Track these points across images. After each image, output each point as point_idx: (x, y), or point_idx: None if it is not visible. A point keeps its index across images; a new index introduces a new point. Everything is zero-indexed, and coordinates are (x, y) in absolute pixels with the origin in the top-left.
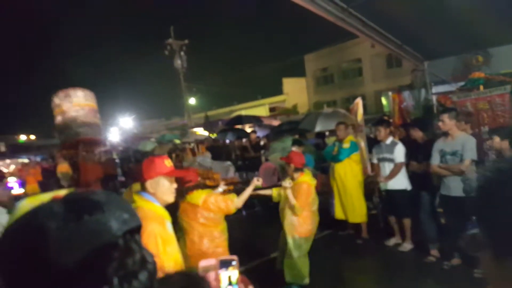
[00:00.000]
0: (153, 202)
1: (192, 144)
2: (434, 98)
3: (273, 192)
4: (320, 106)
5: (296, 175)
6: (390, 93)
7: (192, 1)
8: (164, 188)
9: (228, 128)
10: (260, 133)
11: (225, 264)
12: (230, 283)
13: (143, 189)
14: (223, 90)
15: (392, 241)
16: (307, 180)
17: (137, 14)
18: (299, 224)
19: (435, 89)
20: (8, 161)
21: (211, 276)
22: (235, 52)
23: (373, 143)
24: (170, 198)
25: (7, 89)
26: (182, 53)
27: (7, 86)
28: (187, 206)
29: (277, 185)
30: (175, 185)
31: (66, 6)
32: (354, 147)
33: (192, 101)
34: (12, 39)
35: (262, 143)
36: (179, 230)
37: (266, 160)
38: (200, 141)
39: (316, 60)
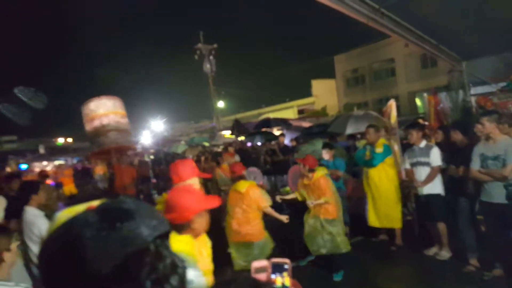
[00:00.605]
0: None
1: (221, 147)
2: (473, 99)
3: (296, 195)
4: (350, 108)
5: (310, 174)
6: (425, 95)
7: (221, 5)
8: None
9: (256, 131)
10: (289, 136)
11: (278, 267)
12: (283, 287)
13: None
14: (251, 93)
15: (431, 251)
16: (321, 174)
17: (168, 20)
18: (331, 209)
19: (474, 90)
20: (45, 163)
21: (262, 277)
22: (263, 54)
23: (406, 147)
24: None
25: (46, 94)
26: (211, 57)
27: (46, 91)
28: (233, 193)
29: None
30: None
31: (101, 13)
32: (387, 150)
33: (220, 104)
34: (48, 47)
35: (291, 146)
36: (227, 213)
37: (295, 163)
38: (228, 144)
39: (347, 61)
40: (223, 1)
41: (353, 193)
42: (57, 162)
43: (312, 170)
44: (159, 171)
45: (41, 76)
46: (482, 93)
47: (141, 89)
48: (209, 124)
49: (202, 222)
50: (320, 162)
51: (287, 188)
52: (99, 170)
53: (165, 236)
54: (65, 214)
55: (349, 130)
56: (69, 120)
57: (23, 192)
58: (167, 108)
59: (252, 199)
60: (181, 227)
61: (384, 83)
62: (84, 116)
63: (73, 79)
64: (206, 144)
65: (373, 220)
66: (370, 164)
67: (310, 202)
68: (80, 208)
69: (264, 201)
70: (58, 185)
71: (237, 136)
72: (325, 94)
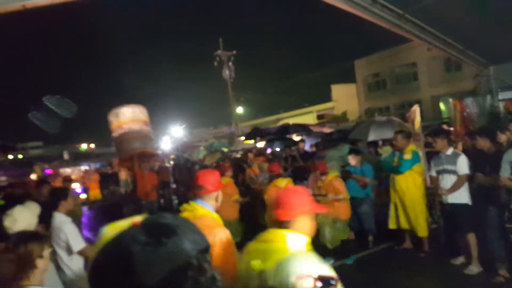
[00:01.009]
0: (211, 210)
1: (240, 153)
2: (501, 105)
3: None
4: (372, 113)
5: (323, 177)
6: (450, 100)
7: (240, 12)
8: (219, 199)
9: (275, 137)
10: (309, 141)
11: (324, 281)
12: None
13: (198, 197)
14: (270, 98)
15: (458, 260)
16: (333, 175)
17: (188, 29)
18: (344, 209)
19: (502, 95)
20: (68, 169)
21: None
22: (282, 59)
23: (429, 154)
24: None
25: (70, 101)
26: (230, 63)
27: (70, 98)
28: (273, 188)
29: (325, 195)
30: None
31: (122, 24)
32: (416, 157)
33: (239, 110)
34: (72, 56)
35: (311, 151)
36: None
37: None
38: (248, 150)
39: (367, 66)
40: (242, 8)
41: (377, 200)
42: (82, 168)
43: (324, 174)
44: (179, 176)
45: (65, 84)
46: (511, 98)
47: (161, 96)
48: (228, 130)
49: (305, 225)
50: (346, 168)
51: None
52: (123, 175)
53: (205, 251)
54: (110, 230)
55: (372, 137)
56: (91, 126)
57: (53, 198)
58: (186, 114)
59: None
60: (283, 224)
61: (406, 87)
62: (110, 124)
63: (95, 87)
64: (225, 149)
65: (393, 223)
66: (398, 170)
67: (330, 196)
68: (124, 224)
69: None
70: (85, 190)
71: (256, 142)
72: (345, 99)
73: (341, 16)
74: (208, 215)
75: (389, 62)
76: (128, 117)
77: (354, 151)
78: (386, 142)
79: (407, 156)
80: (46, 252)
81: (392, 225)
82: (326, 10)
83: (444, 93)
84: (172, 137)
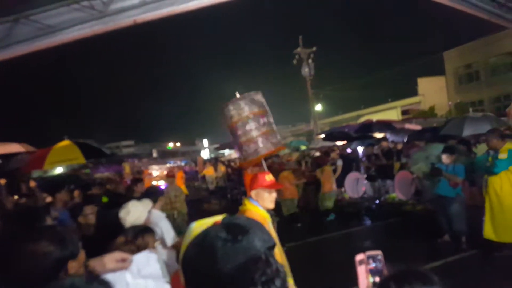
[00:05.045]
0: (257, 206)
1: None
2: None
3: None
4: (463, 107)
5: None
6: None
7: (320, 7)
8: (264, 197)
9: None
10: (393, 138)
11: (373, 258)
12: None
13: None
14: (350, 94)
15: None
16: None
17: (267, 28)
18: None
19: None
20: (155, 166)
21: (361, 269)
22: (365, 54)
23: None
24: (270, 205)
25: (160, 102)
26: (309, 60)
27: (160, 100)
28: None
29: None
30: (274, 194)
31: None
32: None
33: (318, 107)
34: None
35: (395, 150)
36: None
37: (402, 168)
38: (330, 149)
39: (458, 57)
40: (322, 3)
41: (471, 202)
42: (168, 165)
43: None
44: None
45: (153, 87)
46: None
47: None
48: (306, 127)
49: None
50: (437, 166)
51: (393, 195)
52: (208, 171)
53: (272, 247)
54: (197, 226)
55: (467, 132)
56: (177, 125)
57: (150, 195)
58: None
59: None
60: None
61: (502, 79)
62: (224, 124)
63: (181, 87)
64: (303, 147)
65: (489, 232)
66: (491, 171)
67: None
68: (209, 221)
69: None
70: None
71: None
72: (432, 93)
73: (427, 7)
74: (252, 209)
75: (483, 52)
76: (241, 113)
77: (449, 150)
78: (480, 139)
79: (503, 155)
80: (157, 243)
81: (487, 234)
82: (411, 1)
83: None
84: None
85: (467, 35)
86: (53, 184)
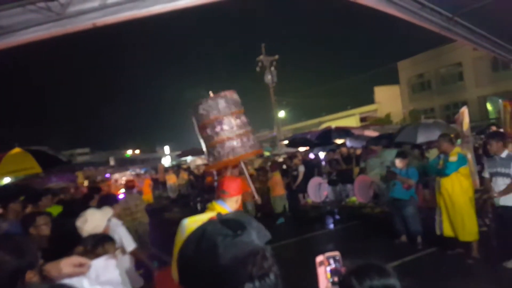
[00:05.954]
0: (229, 211)
1: (282, 157)
2: None
3: None
4: (416, 114)
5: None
6: (500, 101)
7: (282, 16)
8: (239, 201)
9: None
10: (352, 144)
11: (333, 258)
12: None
13: (220, 199)
14: (312, 101)
15: (511, 263)
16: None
17: (230, 36)
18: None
19: None
20: (117, 174)
21: (321, 270)
22: (324, 63)
23: (482, 155)
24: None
25: (113, 107)
26: (272, 68)
27: (114, 104)
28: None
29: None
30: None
31: (168, 35)
32: (462, 160)
33: (281, 114)
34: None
35: (354, 155)
36: None
37: (361, 172)
38: (292, 155)
39: (411, 67)
40: (284, 13)
41: (424, 204)
42: (129, 172)
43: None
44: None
45: (111, 93)
46: None
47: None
48: (269, 134)
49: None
50: (392, 170)
51: (353, 198)
52: (170, 179)
53: (268, 243)
54: (191, 222)
55: (420, 139)
56: (137, 132)
57: (104, 203)
58: None
59: None
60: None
61: (451, 88)
62: (194, 123)
63: (140, 93)
64: (267, 153)
65: (447, 230)
66: (443, 173)
67: None
68: (202, 217)
69: None
70: (140, 194)
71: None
72: (388, 101)
73: (383, 19)
74: (221, 212)
75: (433, 63)
76: (215, 112)
77: (401, 154)
78: (432, 144)
79: (453, 158)
80: (117, 251)
81: (446, 232)
82: (368, 14)
83: (491, 93)
84: None
85: (419, 46)
86: (5, 194)
